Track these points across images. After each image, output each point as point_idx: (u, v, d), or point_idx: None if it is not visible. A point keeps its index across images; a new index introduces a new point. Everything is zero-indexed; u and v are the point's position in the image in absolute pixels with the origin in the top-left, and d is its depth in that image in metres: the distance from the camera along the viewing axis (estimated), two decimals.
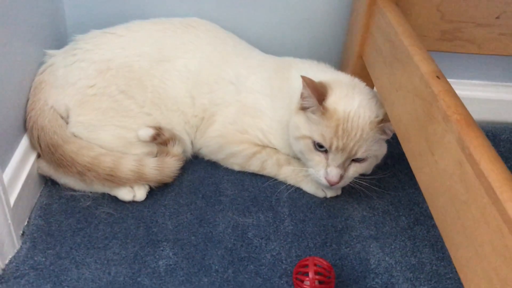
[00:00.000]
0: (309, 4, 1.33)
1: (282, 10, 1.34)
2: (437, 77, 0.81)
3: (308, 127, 1.06)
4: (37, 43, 1.15)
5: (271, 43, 1.35)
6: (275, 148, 1.19)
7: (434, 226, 1.10)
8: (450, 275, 0.99)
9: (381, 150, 1.10)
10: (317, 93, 1.04)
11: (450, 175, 0.72)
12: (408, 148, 0.89)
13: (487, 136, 1.47)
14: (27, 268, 0.92)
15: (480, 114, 1.43)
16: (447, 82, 0.80)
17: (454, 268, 0.99)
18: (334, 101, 1.05)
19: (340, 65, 1.36)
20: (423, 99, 0.82)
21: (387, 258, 1.02)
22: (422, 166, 0.82)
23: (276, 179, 1.18)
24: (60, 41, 1.26)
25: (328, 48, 1.39)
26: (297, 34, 1.37)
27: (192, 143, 1.21)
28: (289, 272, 0.96)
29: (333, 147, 1.03)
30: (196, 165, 1.21)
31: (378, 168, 1.18)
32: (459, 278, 0.97)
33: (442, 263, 1.02)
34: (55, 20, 1.27)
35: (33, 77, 1.12)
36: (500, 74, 1.45)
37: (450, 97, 0.76)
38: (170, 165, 1.11)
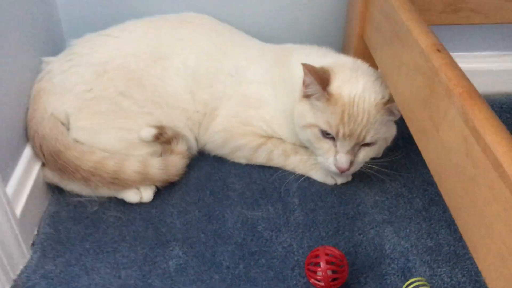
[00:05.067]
0: None
1: None
2: (438, 50, 0.77)
3: (313, 115, 1.04)
4: (34, 51, 1.14)
5: (271, 30, 1.33)
6: (280, 138, 1.16)
7: None
8: (469, 255, 0.96)
9: (390, 132, 1.06)
10: (320, 79, 1.01)
11: (456, 151, 0.68)
12: (414, 127, 0.86)
13: (501, 108, 1.42)
14: (38, 277, 0.92)
15: (491, 86, 1.38)
16: (448, 55, 0.77)
17: None
18: (338, 86, 1.02)
19: (342, 47, 1.32)
20: (424, 74, 0.79)
21: (402, 242, 0.99)
22: (428, 144, 0.79)
23: (284, 170, 1.16)
24: (57, 47, 1.25)
25: (329, 31, 1.35)
26: (296, 19, 1.34)
27: (196, 139, 1.19)
28: (301, 263, 0.94)
29: (340, 134, 1.00)
30: (202, 161, 1.19)
31: (389, 150, 1.14)
32: None
33: (460, 244, 0.98)
34: (50, 27, 1.26)
35: (31, 86, 1.11)
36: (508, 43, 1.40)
37: (451, 70, 0.73)
38: (175, 163, 1.10)
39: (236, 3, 1.31)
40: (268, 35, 1.29)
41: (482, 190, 0.61)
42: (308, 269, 0.89)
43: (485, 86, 1.38)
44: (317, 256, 0.88)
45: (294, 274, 0.92)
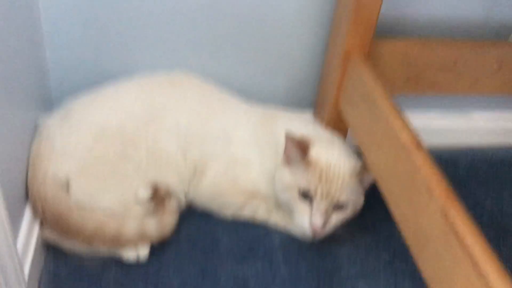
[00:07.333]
0: (284, 56, 1.43)
1: (260, 62, 1.43)
2: (417, 147, 0.92)
3: (293, 178, 1.16)
4: (27, 109, 1.17)
5: (250, 91, 1.43)
6: (265, 197, 1.28)
7: (411, 258, 1.23)
8: None
9: (359, 201, 1.21)
10: (300, 147, 1.14)
11: (435, 238, 0.83)
12: (391, 201, 1.00)
13: (447, 163, 1.61)
14: None
15: (440, 140, 1.59)
16: (427, 152, 0.92)
17: None
18: (316, 152, 1.16)
19: (316, 112, 1.45)
20: (405, 167, 0.94)
21: None
22: (406, 221, 0.94)
23: (267, 225, 1.27)
24: (47, 103, 1.29)
25: (303, 94, 1.49)
26: (274, 82, 1.47)
27: (185, 194, 1.28)
28: None
29: (318, 194, 1.13)
30: (191, 215, 1.28)
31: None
32: None
33: None
34: (40, 83, 1.29)
35: (29, 144, 1.15)
36: (457, 104, 1.62)
37: (430, 169, 0.88)
38: (169, 222, 1.18)
39: (223, 65, 1.42)
40: (249, 94, 1.40)
41: (461, 281, 0.76)
42: None
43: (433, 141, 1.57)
44: None
45: None
